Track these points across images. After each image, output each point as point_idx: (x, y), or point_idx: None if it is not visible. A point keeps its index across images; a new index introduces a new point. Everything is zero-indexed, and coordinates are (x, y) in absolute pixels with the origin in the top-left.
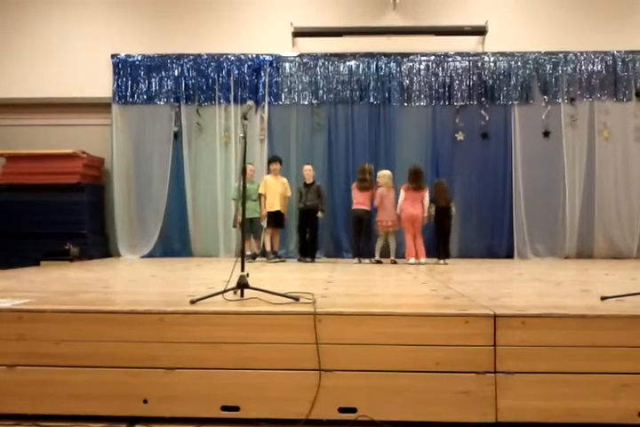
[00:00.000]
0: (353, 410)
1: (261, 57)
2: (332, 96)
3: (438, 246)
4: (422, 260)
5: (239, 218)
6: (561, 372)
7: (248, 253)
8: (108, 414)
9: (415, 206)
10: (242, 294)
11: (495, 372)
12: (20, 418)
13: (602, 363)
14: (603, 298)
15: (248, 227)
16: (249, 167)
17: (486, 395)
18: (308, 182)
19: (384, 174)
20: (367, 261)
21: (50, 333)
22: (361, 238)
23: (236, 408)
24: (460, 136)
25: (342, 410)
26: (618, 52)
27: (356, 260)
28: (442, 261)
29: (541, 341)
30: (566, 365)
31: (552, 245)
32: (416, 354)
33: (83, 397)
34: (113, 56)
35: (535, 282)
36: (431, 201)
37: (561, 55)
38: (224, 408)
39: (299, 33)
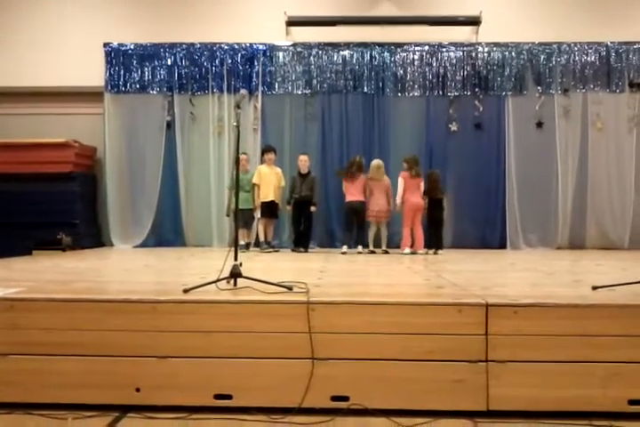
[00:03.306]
0: (345, 398)
1: (255, 46)
2: (325, 86)
3: (431, 237)
4: (420, 251)
5: (232, 207)
6: (552, 361)
7: (241, 242)
8: (100, 403)
9: (416, 195)
10: (235, 284)
11: (487, 361)
12: (12, 407)
13: (593, 352)
14: (594, 288)
15: (240, 217)
16: (242, 157)
17: (478, 383)
18: (303, 173)
19: (372, 164)
20: (357, 251)
21: (42, 322)
22: (354, 230)
23: (229, 396)
24: (453, 126)
25: (335, 398)
26: (612, 43)
27: (344, 248)
28: (432, 251)
29: (533, 330)
30: (558, 353)
31: (544, 236)
32: (409, 343)
33: (75, 385)
34: (105, 45)
35: (527, 272)
36: (424, 192)
37: (555, 46)
38: (217, 396)
39: (292, 22)
